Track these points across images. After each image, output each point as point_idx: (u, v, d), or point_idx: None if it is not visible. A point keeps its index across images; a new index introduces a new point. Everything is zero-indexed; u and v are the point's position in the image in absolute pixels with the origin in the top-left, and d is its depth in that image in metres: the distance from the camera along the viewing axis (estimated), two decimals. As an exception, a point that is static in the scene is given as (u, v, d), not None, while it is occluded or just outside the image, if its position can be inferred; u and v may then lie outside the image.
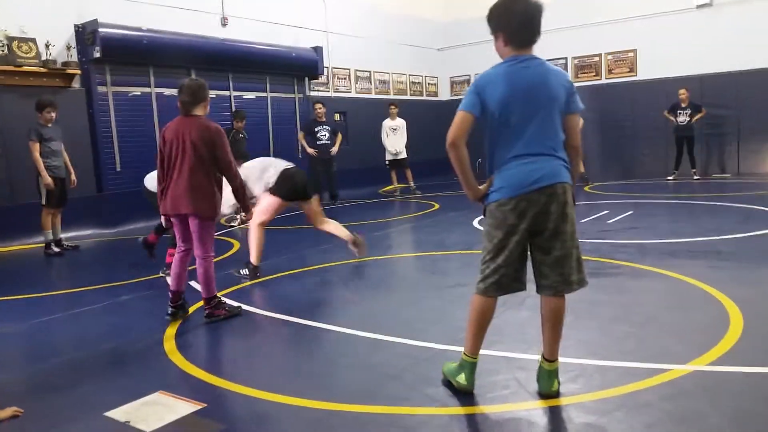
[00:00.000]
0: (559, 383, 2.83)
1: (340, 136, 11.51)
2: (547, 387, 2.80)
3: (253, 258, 5.60)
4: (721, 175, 12.84)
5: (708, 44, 12.82)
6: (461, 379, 2.85)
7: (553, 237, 2.69)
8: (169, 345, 3.83)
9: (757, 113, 12.59)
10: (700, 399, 2.69)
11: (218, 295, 4.43)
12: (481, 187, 2.79)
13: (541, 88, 2.67)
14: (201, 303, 4.40)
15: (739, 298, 4.10)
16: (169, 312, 4.34)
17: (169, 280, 4.63)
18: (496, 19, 2.76)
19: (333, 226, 6.15)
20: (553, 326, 2.81)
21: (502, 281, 2.75)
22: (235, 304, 4.56)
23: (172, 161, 4.16)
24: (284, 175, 5.70)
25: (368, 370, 3.27)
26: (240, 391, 3.07)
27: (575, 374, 3.03)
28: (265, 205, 5.67)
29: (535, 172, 2.63)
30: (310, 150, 11.24)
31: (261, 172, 5.74)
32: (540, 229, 2.69)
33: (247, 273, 5.58)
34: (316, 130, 11.24)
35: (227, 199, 5.00)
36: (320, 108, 11.23)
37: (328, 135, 11.23)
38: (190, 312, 4.48)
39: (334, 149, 11.29)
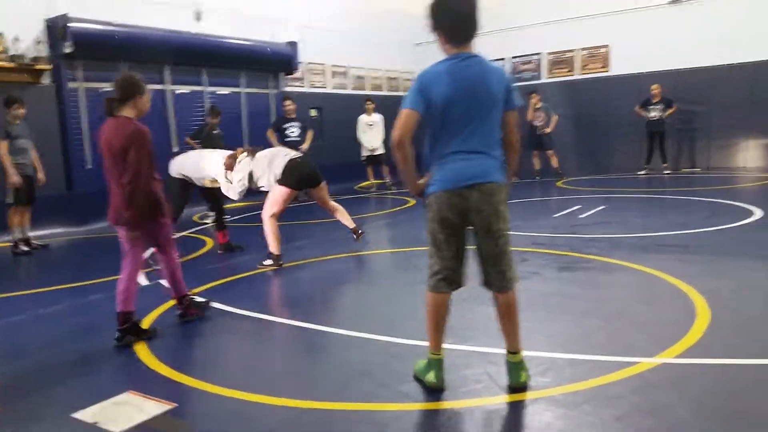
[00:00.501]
0: (528, 375, 2.85)
1: (311, 133, 11.17)
2: (516, 379, 2.83)
3: (273, 248, 5.80)
4: (692, 170, 13.05)
5: (680, 40, 13.01)
6: (430, 377, 2.86)
7: (488, 235, 2.77)
8: (140, 345, 3.79)
9: (726, 109, 12.81)
10: (668, 391, 2.74)
11: (189, 294, 4.29)
12: (420, 182, 2.90)
13: (482, 86, 2.73)
14: (171, 303, 4.34)
15: (706, 291, 4.17)
16: (116, 336, 3.80)
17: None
18: (434, 18, 2.79)
19: (340, 213, 6.44)
20: (508, 319, 2.86)
21: (449, 276, 2.82)
22: (202, 299, 4.45)
23: (106, 167, 3.83)
24: (291, 164, 5.81)
25: (341, 367, 3.26)
26: (211, 390, 3.04)
27: (546, 368, 3.07)
28: (275, 196, 5.81)
29: (470, 169, 2.73)
30: (277, 146, 11.00)
31: (268, 164, 5.87)
32: (475, 226, 2.78)
33: (271, 262, 5.80)
34: (285, 126, 10.91)
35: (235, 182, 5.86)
36: (290, 104, 10.90)
37: (297, 131, 10.88)
38: (149, 326, 4.05)
39: (305, 146, 10.83)
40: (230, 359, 3.54)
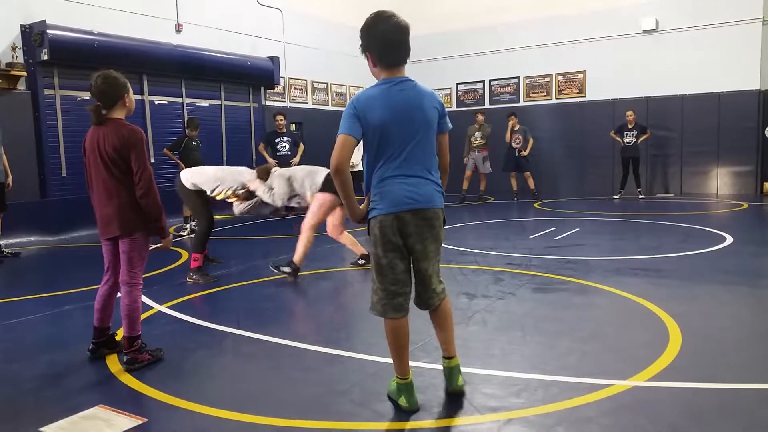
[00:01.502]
0: (463, 380, 2.99)
1: (302, 147, 11.20)
2: (454, 383, 2.94)
3: (297, 258, 5.84)
4: (665, 195, 13.31)
5: (654, 68, 13.34)
6: (402, 402, 2.85)
7: (424, 257, 2.81)
8: (112, 358, 3.73)
9: (699, 136, 13.14)
10: (638, 414, 2.77)
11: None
12: (361, 206, 2.86)
13: (417, 111, 2.75)
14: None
15: (678, 314, 4.24)
16: (90, 348, 3.71)
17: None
18: (363, 40, 2.79)
19: (348, 240, 6.40)
20: (442, 327, 2.97)
21: (395, 300, 2.80)
22: (155, 347, 3.77)
23: (94, 176, 3.59)
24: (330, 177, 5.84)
25: (317, 385, 3.24)
26: (183, 406, 3.00)
27: (519, 388, 3.08)
28: (317, 205, 5.92)
29: (411, 194, 2.73)
30: (271, 161, 11.01)
31: (306, 179, 5.98)
32: (412, 249, 2.80)
33: (289, 270, 5.81)
34: (276, 141, 10.99)
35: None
36: (281, 119, 10.98)
37: (288, 146, 10.97)
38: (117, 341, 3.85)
39: (295, 160, 10.88)
40: (204, 375, 3.49)
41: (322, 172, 5.98)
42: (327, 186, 5.85)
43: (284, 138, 10.99)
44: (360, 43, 2.80)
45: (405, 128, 2.72)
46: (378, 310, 2.84)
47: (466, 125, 12.93)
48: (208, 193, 6.01)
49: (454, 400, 2.97)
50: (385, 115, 2.70)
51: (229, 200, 6.12)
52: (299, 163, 10.95)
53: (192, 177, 6.07)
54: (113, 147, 3.48)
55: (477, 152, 12.79)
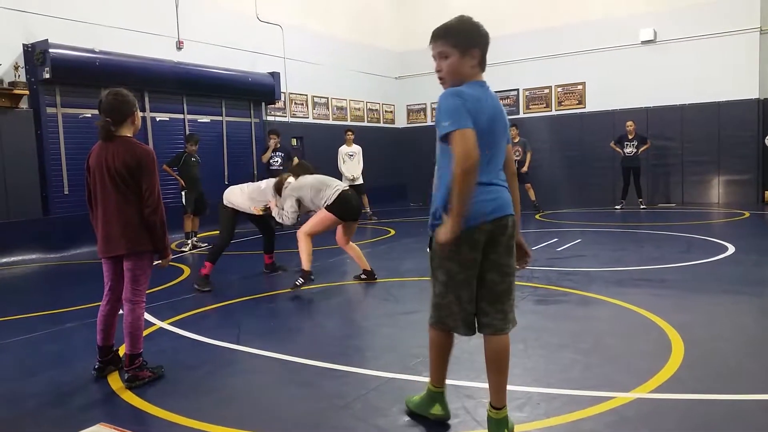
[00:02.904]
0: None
1: (296, 161, 11.41)
2: None
3: (305, 265, 5.92)
4: (667, 205, 13.30)
5: (653, 79, 13.39)
6: (437, 410, 2.83)
7: (497, 271, 2.61)
8: (113, 375, 3.72)
9: (699, 145, 13.17)
10: (641, 427, 2.76)
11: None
12: (447, 230, 2.50)
13: (501, 116, 2.62)
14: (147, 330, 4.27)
15: (680, 325, 4.23)
16: (96, 367, 3.70)
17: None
18: (473, 36, 2.59)
19: (354, 252, 6.49)
20: (499, 369, 2.66)
21: (467, 319, 2.65)
22: (156, 364, 3.77)
23: (100, 193, 3.58)
24: (343, 196, 6.00)
25: (317, 400, 3.24)
26: (184, 423, 2.99)
27: (521, 402, 3.07)
28: (319, 219, 6.02)
29: (493, 202, 2.56)
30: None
31: (318, 191, 6.04)
32: (484, 262, 2.60)
33: (303, 281, 5.90)
34: (270, 156, 11.38)
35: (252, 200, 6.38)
36: (274, 138, 11.38)
37: (280, 161, 11.33)
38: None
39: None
40: (204, 392, 3.49)
41: (334, 188, 6.01)
42: (335, 206, 5.93)
43: (277, 153, 11.38)
44: (461, 38, 2.56)
45: (494, 133, 2.55)
46: (432, 315, 2.78)
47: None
48: (249, 210, 6.47)
49: (456, 414, 2.95)
50: (484, 117, 2.50)
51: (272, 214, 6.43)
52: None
53: (229, 196, 6.55)
54: (125, 165, 3.47)
55: None
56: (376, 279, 6.38)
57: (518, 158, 12.78)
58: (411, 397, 2.99)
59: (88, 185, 3.66)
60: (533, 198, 12.89)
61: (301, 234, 6.01)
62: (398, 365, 3.68)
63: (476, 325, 2.69)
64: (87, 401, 3.39)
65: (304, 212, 6.30)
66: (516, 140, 12.81)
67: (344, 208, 5.97)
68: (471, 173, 2.36)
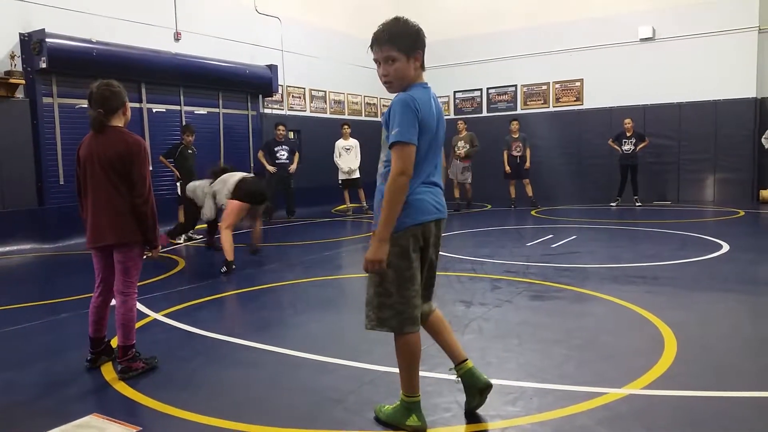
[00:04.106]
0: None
1: (297, 156, 11.99)
2: (482, 380, 2.85)
3: (228, 256, 6.56)
4: (662, 203, 13.33)
5: (651, 76, 13.40)
6: (414, 421, 2.72)
7: (431, 267, 2.79)
8: (107, 366, 3.72)
9: (695, 143, 13.20)
10: (633, 423, 2.77)
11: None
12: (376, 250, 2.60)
13: (441, 118, 2.72)
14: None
15: (674, 322, 4.25)
16: (89, 358, 3.71)
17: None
18: (415, 40, 2.64)
19: (257, 233, 7.61)
20: (445, 329, 2.91)
21: (415, 313, 2.68)
22: (149, 355, 3.77)
23: (90, 184, 3.56)
24: (241, 181, 6.86)
25: (311, 394, 3.24)
26: (177, 414, 2.99)
27: (514, 397, 3.08)
28: (229, 210, 6.72)
29: (437, 203, 2.69)
30: (270, 168, 11.62)
31: (224, 184, 6.91)
32: (428, 259, 2.75)
33: (225, 268, 6.52)
34: (275, 149, 11.70)
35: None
36: (282, 130, 11.75)
37: (286, 155, 11.72)
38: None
39: (293, 167, 11.80)
40: (198, 383, 3.48)
41: (234, 178, 6.89)
42: (235, 192, 6.75)
43: (283, 146, 11.73)
44: (407, 42, 2.61)
45: (436, 135, 2.66)
46: (393, 325, 2.67)
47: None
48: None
49: (449, 408, 2.96)
50: (431, 120, 2.61)
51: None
52: (296, 170, 11.78)
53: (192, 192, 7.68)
54: (117, 155, 3.47)
55: (459, 161, 12.79)
56: (258, 250, 7.66)
57: (519, 154, 12.76)
58: (381, 407, 2.88)
59: (78, 177, 3.66)
60: (530, 194, 12.89)
61: (222, 228, 6.68)
62: (392, 359, 3.66)
63: (421, 317, 2.79)
64: (80, 392, 3.39)
65: (218, 205, 7.10)
66: (516, 135, 12.79)
67: (243, 191, 6.75)
68: (402, 190, 2.50)
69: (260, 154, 11.82)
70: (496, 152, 13.20)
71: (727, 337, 4.07)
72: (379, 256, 2.53)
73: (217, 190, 6.99)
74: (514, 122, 12.94)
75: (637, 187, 12.74)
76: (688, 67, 12.98)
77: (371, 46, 2.69)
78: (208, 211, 7.22)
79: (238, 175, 6.97)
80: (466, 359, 2.88)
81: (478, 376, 2.86)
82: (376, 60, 2.69)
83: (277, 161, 11.63)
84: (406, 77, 2.63)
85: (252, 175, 7.25)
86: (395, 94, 2.63)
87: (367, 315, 2.74)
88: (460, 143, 12.75)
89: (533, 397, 3.09)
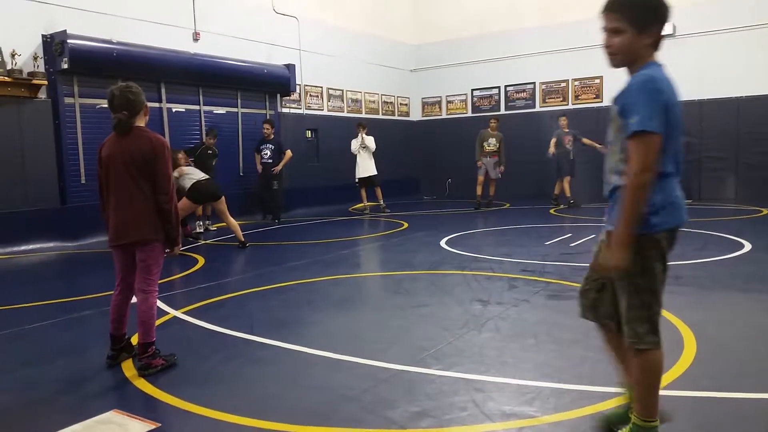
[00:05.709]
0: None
1: (288, 154, 11.32)
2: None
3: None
4: (684, 201, 13.14)
5: (672, 73, 13.05)
6: None
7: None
8: (127, 363, 3.77)
9: (717, 141, 13.01)
10: (651, 423, 2.74)
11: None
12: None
13: (679, 100, 2.30)
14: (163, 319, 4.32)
15: (693, 323, 4.20)
16: (109, 355, 3.76)
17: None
18: (657, 11, 2.25)
19: (233, 227, 8.25)
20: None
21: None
22: (169, 353, 3.81)
23: (113, 183, 3.61)
24: (195, 185, 7.94)
25: (327, 391, 3.26)
26: (196, 411, 3.03)
27: (531, 396, 3.07)
28: (181, 205, 7.02)
29: (683, 200, 2.32)
30: (258, 167, 11.37)
31: (180, 178, 7.93)
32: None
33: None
34: (261, 148, 11.31)
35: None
36: (267, 128, 11.24)
37: (270, 153, 11.19)
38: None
39: (277, 167, 11.16)
40: (217, 381, 3.52)
41: (192, 177, 7.96)
42: (188, 193, 7.82)
43: (268, 145, 11.23)
44: (639, 14, 2.24)
45: (678, 118, 2.24)
46: (655, 341, 2.33)
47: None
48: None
49: (465, 407, 2.96)
50: (677, 103, 2.23)
51: None
52: (282, 170, 11.29)
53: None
54: (142, 155, 3.54)
55: (488, 157, 12.77)
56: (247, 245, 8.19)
57: (570, 148, 12.65)
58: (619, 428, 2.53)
59: (100, 176, 3.72)
60: (568, 193, 12.77)
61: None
62: (408, 358, 3.69)
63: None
64: (100, 388, 3.44)
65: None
66: (566, 130, 12.68)
67: (195, 193, 7.90)
68: (645, 188, 2.15)
69: (255, 154, 11.51)
70: (513, 151, 13.14)
71: (748, 338, 4.01)
72: (620, 261, 2.23)
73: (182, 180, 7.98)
74: (563, 117, 12.84)
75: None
76: (709, 64, 12.79)
77: (601, 12, 2.32)
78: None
79: (192, 175, 8.04)
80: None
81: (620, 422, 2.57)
82: (604, 28, 2.33)
83: (262, 160, 11.24)
84: (633, 53, 2.28)
85: (204, 177, 8.24)
86: (632, 76, 2.32)
87: (633, 332, 2.35)
88: (492, 140, 12.71)
89: (550, 397, 3.08)
